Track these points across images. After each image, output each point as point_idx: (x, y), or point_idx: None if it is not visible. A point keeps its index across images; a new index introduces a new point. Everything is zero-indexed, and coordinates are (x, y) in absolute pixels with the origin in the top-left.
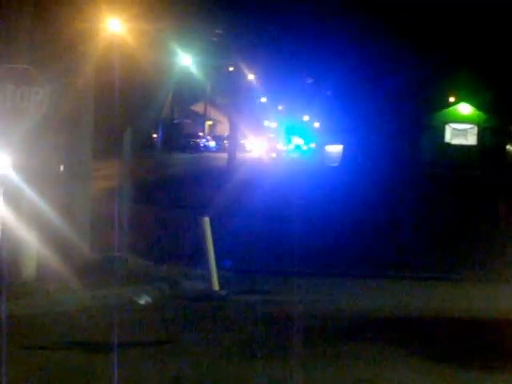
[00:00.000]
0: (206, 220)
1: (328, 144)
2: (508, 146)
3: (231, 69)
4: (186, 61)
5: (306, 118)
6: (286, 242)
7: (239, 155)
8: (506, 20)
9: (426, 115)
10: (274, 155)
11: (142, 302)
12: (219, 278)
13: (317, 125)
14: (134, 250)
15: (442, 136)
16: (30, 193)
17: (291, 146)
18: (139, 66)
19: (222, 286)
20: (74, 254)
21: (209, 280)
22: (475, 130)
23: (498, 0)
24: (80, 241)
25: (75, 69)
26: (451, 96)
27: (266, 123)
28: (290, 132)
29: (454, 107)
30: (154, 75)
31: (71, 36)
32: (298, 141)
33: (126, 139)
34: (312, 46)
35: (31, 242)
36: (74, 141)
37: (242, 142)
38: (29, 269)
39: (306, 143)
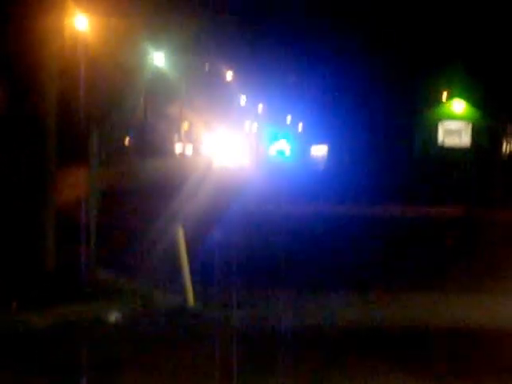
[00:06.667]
0: (179, 230)
1: (312, 145)
2: (504, 146)
3: (207, 67)
4: (160, 60)
5: (288, 118)
6: (268, 255)
7: (217, 161)
8: (501, 13)
9: (416, 112)
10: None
11: (111, 318)
12: (194, 292)
13: (300, 126)
14: (103, 263)
15: (435, 135)
16: None
17: (273, 151)
18: (108, 65)
19: (196, 301)
20: (37, 266)
21: (183, 294)
22: (469, 128)
23: None
24: (43, 252)
25: (38, 67)
26: (444, 92)
27: (247, 126)
28: (273, 136)
29: (447, 104)
30: (124, 75)
31: (35, 32)
32: (281, 145)
33: (93, 142)
34: (294, 40)
35: None
36: (35, 144)
37: (219, 146)
38: None
39: (290, 147)
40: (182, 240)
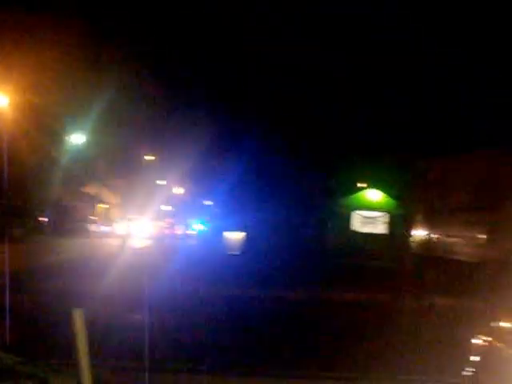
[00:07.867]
0: (78, 312)
1: (227, 229)
2: (413, 234)
3: (128, 149)
4: (79, 139)
5: (207, 202)
6: (177, 338)
7: (135, 240)
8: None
9: (332, 201)
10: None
11: None
12: (92, 376)
13: (214, 208)
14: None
15: (349, 223)
16: None
17: (191, 231)
18: (24, 143)
19: None
20: None
21: (80, 379)
22: (385, 217)
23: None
24: None
25: None
26: (360, 181)
27: (163, 207)
28: (190, 216)
29: (363, 193)
30: (42, 153)
31: None
32: (198, 226)
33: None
34: (215, 126)
35: None
36: None
37: (138, 225)
38: None
39: (206, 227)
40: (81, 322)
